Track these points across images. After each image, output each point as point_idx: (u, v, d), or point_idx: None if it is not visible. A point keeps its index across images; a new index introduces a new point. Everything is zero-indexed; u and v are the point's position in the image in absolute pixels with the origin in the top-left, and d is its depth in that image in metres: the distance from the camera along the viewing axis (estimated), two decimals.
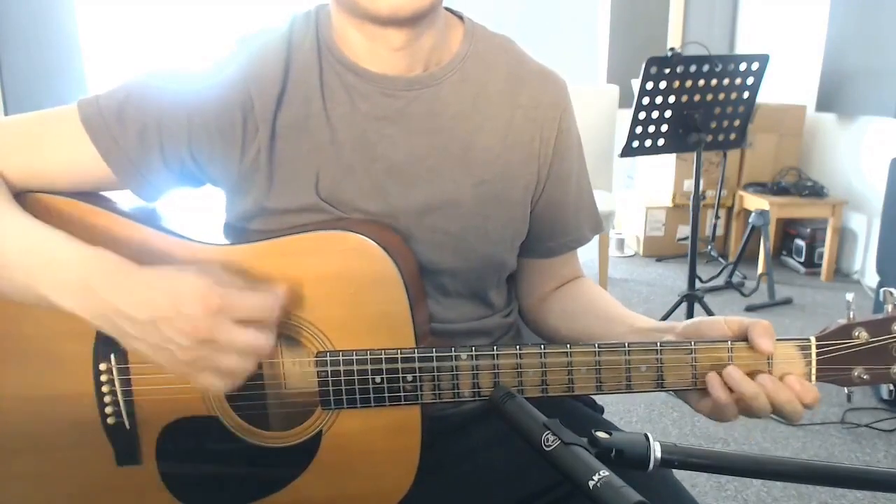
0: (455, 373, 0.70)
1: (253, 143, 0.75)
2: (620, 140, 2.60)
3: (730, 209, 4.19)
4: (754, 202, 3.85)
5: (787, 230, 4.04)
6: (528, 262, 0.90)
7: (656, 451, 0.53)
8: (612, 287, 3.60)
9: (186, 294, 0.63)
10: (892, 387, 0.70)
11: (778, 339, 0.69)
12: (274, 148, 0.75)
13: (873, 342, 0.68)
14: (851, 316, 0.69)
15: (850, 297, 0.69)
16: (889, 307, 0.68)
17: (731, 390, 0.67)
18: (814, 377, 0.69)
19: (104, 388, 0.72)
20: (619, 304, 0.85)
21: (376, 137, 0.77)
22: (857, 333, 0.68)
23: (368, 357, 0.70)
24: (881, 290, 0.69)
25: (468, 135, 0.79)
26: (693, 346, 0.69)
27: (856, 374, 0.69)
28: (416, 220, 0.77)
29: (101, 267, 0.65)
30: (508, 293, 0.91)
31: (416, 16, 0.70)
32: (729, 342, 0.69)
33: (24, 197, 0.72)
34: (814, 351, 0.69)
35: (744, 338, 0.69)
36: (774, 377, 0.67)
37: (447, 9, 0.81)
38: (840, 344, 0.68)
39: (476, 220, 0.79)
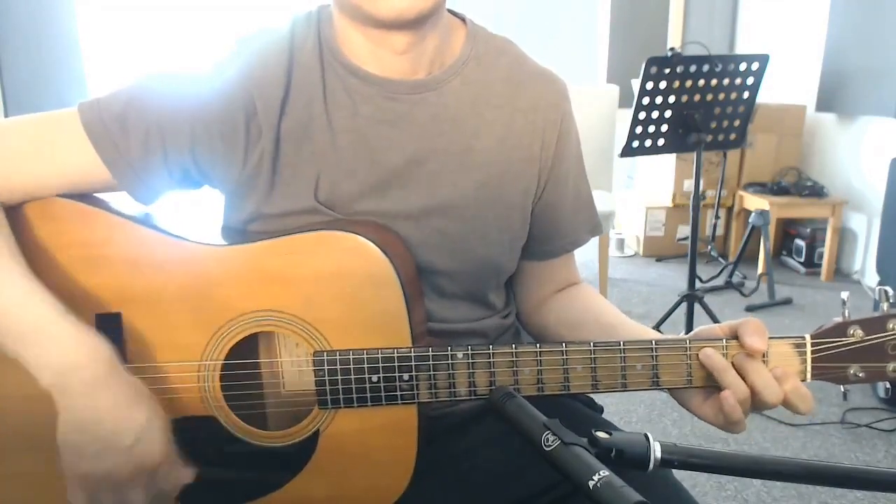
0: (451, 372, 0.70)
1: (256, 148, 0.75)
2: (620, 140, 2.60)
3: (730, 209, 4.19)
4: (754, 202, 3.85)
5: (787, 230, 4.04)
6: (525, 264, 0.90)
7: (656, 451, 0.53)
8: (612, 287, 3.60)
9: (149, 442, 0.66)
10: (888, 385, 0.70)
11: (773, 338, 0.69)
12: (278, 153, 0.75)
13: (868, 340, 0.68)
14: (846, 314, 0.69)
15: (844, 295, 0.69)
16: (885, 305, 0.68)
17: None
18: (809, 375, 0.69)
19: None
20: (622, 315, 0.85)
21: (377, 141, 0.76)
22: (852, 331, 0.68)
23: (365, 356, 0.70)
24: (877, 288, 0.69)
25: (468, 137, 0.79)
26: (688, 345, 0.69)
27: (851, 371, 0.69)
28: (416, 223, 0.77)
29: (87, 358, 0.65)
30: (507, 295, 0.91)
31: (420, 18, 0.70)
32: (723, 340, 0.69)
33: (23, 200, 0.72)
34: (809, 349, 0.69)
35: (736, 337, 0.69)
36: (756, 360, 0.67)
37: (449, 10, 0.81)
38: (835, 342, 0.69)
39: (475, 223, 0.79)
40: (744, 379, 0.67)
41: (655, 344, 0.69)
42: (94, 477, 0.65)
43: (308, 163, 0.76)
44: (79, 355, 0.65)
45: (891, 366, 0.68)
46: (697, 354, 0.69)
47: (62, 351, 0.65)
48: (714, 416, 0.70)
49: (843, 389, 0.69)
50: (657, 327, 2.80)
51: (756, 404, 0.68)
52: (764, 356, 0.68)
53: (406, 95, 0.77)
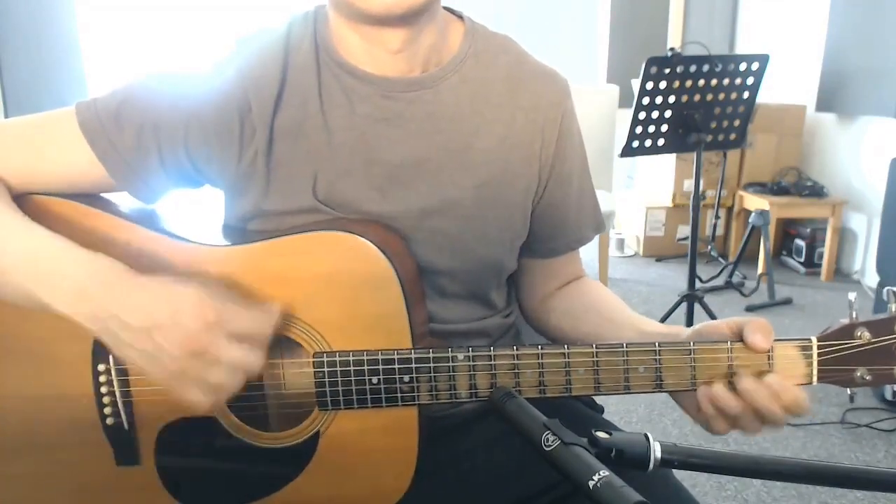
0: (452, 374, 0.70)
1: (250, 146, 0.75)
2: (620, 140, 2.60)
3: (730, 209, 4.19)
4: (754, 202, 3.84)
5: (787, 230, 4.04)
6: (530, 262, 0.90)
7: (656, 451, 0.53)
8: (612, 287, 3.58)
9: (184, 305, 0.63)
10: (895, 387, 0.69)
11: (779, 340, 0.68)
12: (272, 150, 0.75)
13: (876, 342, 0.67)
14: (854, 316, 0.67)
15: (852, 296, 0.68)
16: (892, 307, 0.67)
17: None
18: (815, 378, 0.68)
19: (103, 389, 0.72)
20: (626, 306, 0.85)
21: (374, 139, 0.76)
22: (859, 334, 0.67)
23: (365, 358, 0.70)
24: (884, 289, 0.68)
25: (468, 136, 0.78)
26: (692, 347, 0.68)
27: (858, 374, 0.68)
28: (415, 222, 0.77)
29: (100, 272, 0.65)
30: (508, 294, 0.91)
31: (410, 13, 0.69)
32: (728, 343, 0.68)
33: (22, 199, 0.72)
34: (815, 351, 0.68)
35: (739, 335, 0.68)
36: (756, 379, 0.66)
37: (447, 8, 0.81)
38: (842, 344, 0.67)
39: (475, 222, 0.79)
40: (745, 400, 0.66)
41: (659, 346, 0.69)
42: (167, 360, 0.63)
43: (304, 161, 0.76)
44: (88, 269, 0.65)
45: None
46: (705, 349, 0.68)
47: (71, 271, 0.65)
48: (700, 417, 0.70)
49: (849, 392, 0.69)
50: None
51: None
52: (769, 358, 0.68)
53: (402, 93, 0.76)
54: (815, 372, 0.68)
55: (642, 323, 0.80)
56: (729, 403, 0.66)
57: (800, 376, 0.68)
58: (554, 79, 0.84)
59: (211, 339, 0.63)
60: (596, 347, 0.69)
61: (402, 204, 0.77)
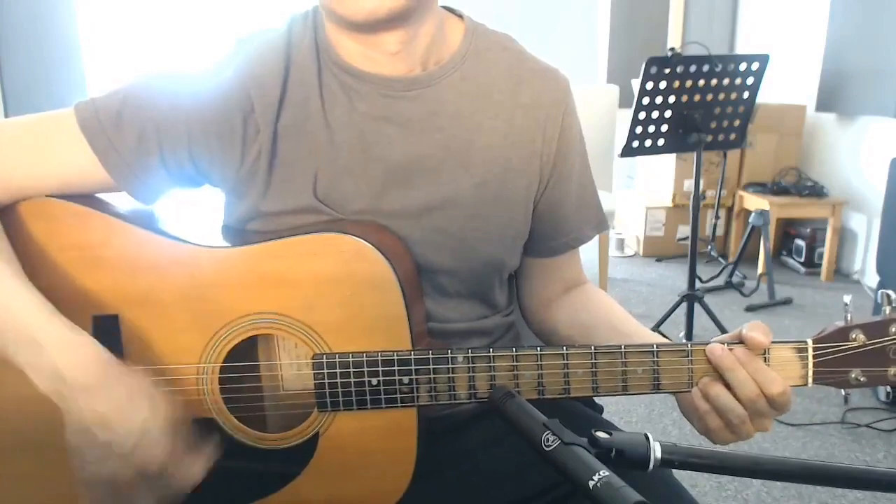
0: (451, 375, 0.70)
1: (253, 146, 0.75)
2: (620, 140, 2.60)
3: (730, 209, 4.19)
4: (754, 202, 3.85)
5: (787, 230, 4.04)
6: (529, 261, 0.90)
7: (656, 451, 0.53)
8: (612, 287, 3.60)
9: (143, 440, 0.64)
10: (889, 388, 0.70)
11: (775, 342, 0.68)
12: (275, 150, 0.75)
13: (871, 344, 0.68)
14: (849, 318, 0.68)
15: (847, 299, 0.69)
16: (887, 309, 0.68)
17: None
18: (810, 380, 0.69)
19: None
20: (634, 319, 0.84)
21: (374, 138, 0.76)
22: (854, 336, 0.68)
23: (365, 359, 0.70)
24: (879, 291, 0.69)
25: (468, 134, 0.78)
26: (689, 349, 0.69)
27: (853, 376, 0.68)
28: (416, 221, 0.77)
29: (76, 360, 0.65)
30: (510, 293, 0.91)
31: (393, 17, 0.69)
32: (725, 343, 0.69)
33: (21, 200, 0.72)
34: (810, 353, 0.68)
35: (739, 340, 0.69)
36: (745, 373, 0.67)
37: (447, 8, 0.81)
38: (837, 346, 0.68)
39: (476, 221, 0.79)
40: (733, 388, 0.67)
41: (657, 348, 0.69)
42: (99, 481, 0.65)
43: (305, 160, 0.75)
44: (70, 360, 0.64)
45: (892, 370, 0.68)
46: (703, 350, 0.69)
47: (53, 356, 0.64)
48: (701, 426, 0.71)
49: (843, 393, 0.69)
50: (657, 327, 2.80)
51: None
52: (765, 357, 0.68)
53: (402, 92, 0.76)
54: (810, 373, 0.69)
55: (653, 338, 0.79)
56: (721, 397, 0.67)
57: (795, 378, 0.69)
58: (555, 77, 0.84)
59: (148, 484, 0.65)
60: (594, 349, 0.69)
61: (403, 202, 0.77)
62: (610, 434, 0.54)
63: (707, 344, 0.69)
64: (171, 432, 0.66)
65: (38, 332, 0.65)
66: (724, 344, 0.68)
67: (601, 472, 0.47)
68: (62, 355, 0.64)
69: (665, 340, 0.77)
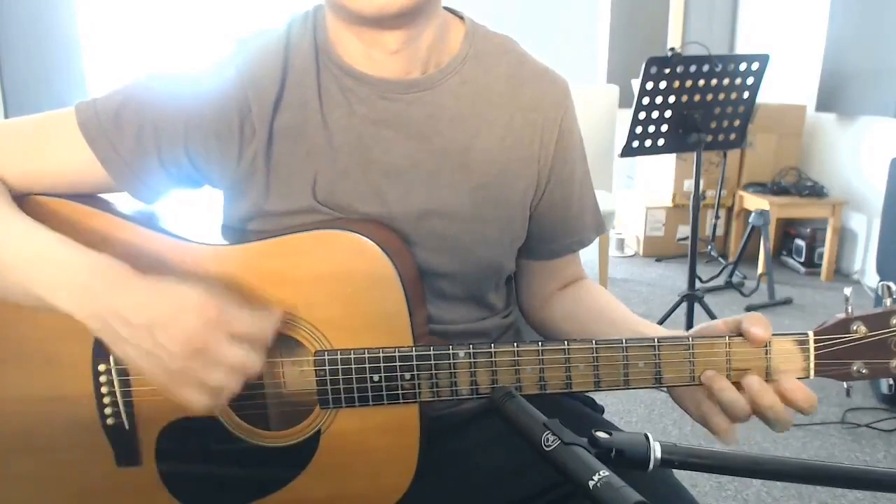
0: (453, 371, 0.70)
1: (250, 146, 0.75)
2: (620, 140, 2.60)
3: (730, 209, 4.19)
4: (754, 202, 3.85)
5: (787, 230, 4.04)
6: (530, 263, 0.90)
7: (656, 451, 0.53)
8: (612, 287, 3.60)
9: (186, 303, 0.63)
10: (891, 381, 0.70)
11: (776, 335, 0.68)
12: (271, 151, 0.75)
13: (872, 336, 0.68)
14: (850, 310, 0.68)
15: (847, 291, 0.69)
16: (888, 301, 0.68)
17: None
18: (812, 372, 0.69)
19: (103, 389, 0.72)
20: (629, 311, 0.85)
21: (373, 141, 0.76)
22: (855, 328, 0.68)
23: (366, 356, 0.70)
24: (879, 284, 0.69)
25: (467, 137, 0.78)
26: (690, 343, 0.69)
27: (855, 368, 0.68)
28: (414, 224, 0.77)
29: (102, 270, 0.65)
30: (507, 295, 0.91)
31: (403, 13, 0.69)
32: (726, 337, 0.69)
33: (23, 199, 0.72)
34: (812, 345, 0.68)
35: (740, 333, 0.69)
36: (761, 380, 0.67)
37: (448, 9, 0.81)
38: (838, 338, 0.68)
39: (474, 224, 0.79)
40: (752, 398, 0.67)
41: (658, 342, 0.69)
42: (167, 358, 0.62)
43: (303, 162, 0.75)
44: (91, 267, 0.65)
45: (894, 362, 0.68)
46: (704, 344, 0.69)
47: (73, 268, 0.65)
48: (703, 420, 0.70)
49: (846, 386, 0.69)
50: None
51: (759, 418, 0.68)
52: (767, 352, 0.68)
53: (401, 95, 0.76)
54: (811, 366, 0.69)
55: (646, 327, 0.80)
56: (726, 392, 0.67)
57: (797, 370, 0.69)
58: (554, 79, 0.84)
59: (212, 337, 0.62)
60: (596, 343, 0.69)
61: (401, 206, 0.77)
62: (610, 434, 0.54)
63: (709, 339, 0.69)
64: (210, 289, 0.64)
65: (56, 254, 0.66)
66: (725, 338, 0.68)
67: (601, 472, 0.47)
68: (81, 266, 0.65)
69: (664, 331, 0.77)
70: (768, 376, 0.68)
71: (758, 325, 0.67)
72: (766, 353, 0.68)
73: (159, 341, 0.62)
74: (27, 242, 0.67)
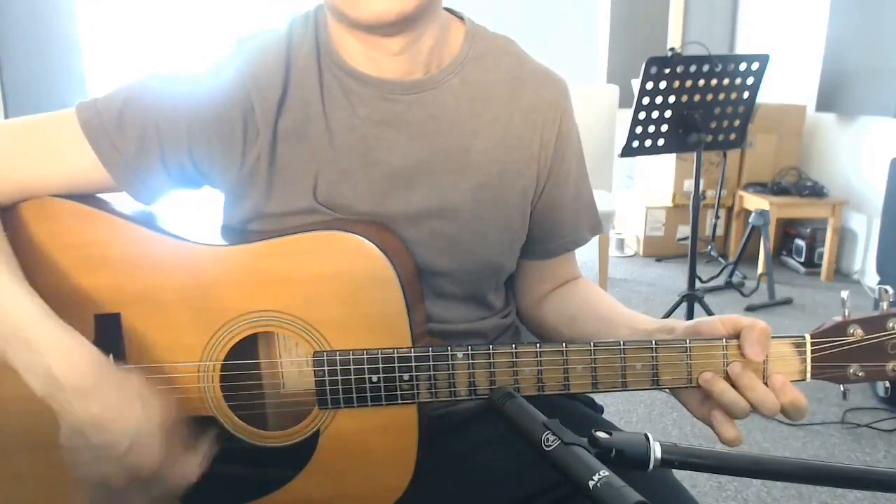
0: (451, 372, 0.70)
1: (253, 148, 0.75)
2: (620, 140, 2.60)
3: (730, 209, 4.19)
4: (754, 202, 3.85)
5: (787, 230, 4.04)
6: (526, 263, 0.90)
7: (656, 451, 0.53)
8: (612, 287, 3.60)
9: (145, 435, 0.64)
10: (888, 384, 0.70)
11: (773, 337, 0.68)
12: (275, 153, 0.75)
13: (868, 339, 0.68)
14: (847, 313, 0.68)
15: (844, 294, 0.69)
16: (884, 304, 0.68)
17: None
18: (809, 374, 0.69)
19: None
20: (620, 305, 0.85)
21: (375, 141, 0.76)
22: (852, 331, 0.68)
23: (365, 356, 0.70)
24: (877, 287, 0.69)
25: (467, 138, 0.78)
26: (688, 345, 0.69)
27: (851, 371, 0.68)
28: (415, 224, 0.77)
29: (69, 361, 0.64)
30: (507, 295, 0.91)
31: (401, 20, 0.69)
32: (724, 340, 0.69)
33: (23, 201, 0.72)
34: (808, 348, 0.69)
35: (738, 336, 0.69)
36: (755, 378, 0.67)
37: (448, 9, 0.81)
38: (835, 341, 0.68)
39: (474, 224, 0.79)
40: (740, 392, 0.67)
41: (656, 344, 0.69)
42: (93, 482, 0.65)
43: (306, 163, 0.75)
44: (63, 361, 0.64)
45: (890, 365, 0.68)
46: (701, 346, 0.69)
47: (46, 357, 0.63)
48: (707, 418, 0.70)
49: (842, 389, 0.69)
50: None
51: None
52: (763, 360, 0.68)
53: (402, 96, 0.76)
54: (808, 368, 0.69)
55: (637, 320, 0.80)
56: (726, 394, 0.67)
57: (794, 373, 0.69)
58: (553, 80, 0.84)
59: (141, 485, 0.65)
60: (593, 345, 0.69)
61: (402, 206, 0.77)
62: (610, 434, 0.54)
63: (706, 341, 0.69)
64: (166, 433, 0.66)
65: (32, 332, 0.64)
66: (722, 341, 0.69)
67: (601, 472, 0.47)
68: (56, 357, 0.64)
69: (655, 322, 0.77)
70: (765, 379, 0.68)
71: (758, 346, 0.67)
72: (764, 360, 0.68)
73: (97, 466, 0.65)
74: (4, 311, 0.65)
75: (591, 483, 0.47)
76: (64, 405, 0.64)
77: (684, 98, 2.47)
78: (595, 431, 0.53)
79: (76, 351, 0.65)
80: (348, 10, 0.68)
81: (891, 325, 0.67)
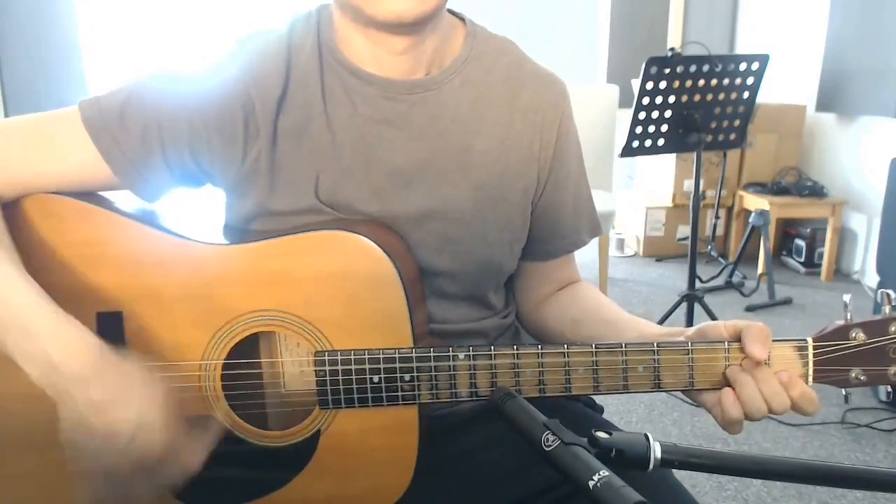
0: (452, 373, 0.70)
1: (254, 146, 0.75)
2: (620, 140, 2.60)
3: (730, 209, 4.19)
4: (754, 202, 3.85)
5: (787, 230, 4.04)
6: (525, 264, 0.90)
7: (656, 451, 0.53)
8: (612, 287, 3.60)
9: (150, 420, 0.64)
10: (889, 388, 0.70)
11: (775, 340, 0.68)
12: (275, 151, 0.75)
13: (871, 343, 0.68)
14: (849, 317, 0.68)
15: (847, 298, 0.69)
16: (887, 308, 0.68)
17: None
18: (811, 378, 0.69)
19: None
20: (624, 311, 0.85)
21: (376, 141, 0.76)
22: (854, 334, 0.68)
23: (366, 357, 0.70)
24: (879, 291, 0.69)
25: (468, 138, 0.79)
26: (690, 348, 0.69)
27: (853, 375, 0.68)
28: (415, 224, 0.77)
29: (69, 348, 0.64)
30: (507, 295, 0.91)
31: (420, 20, 0.70)
32: (726, 343, 0.69)
33: (24, 198, 0.72)
34: (811, 352, 0.69)
35: (739, 339, 0.69)
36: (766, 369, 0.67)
37: (449, 10, 0.81)
38: (837, 345, 0.68)
39: (475, 225, 0.79)
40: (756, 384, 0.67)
41: (657, 346, 0.69)
42: (96, 473, 0.65)
43: (307, 162, 0.76)
44: (62, 349, 0.63)
45: (892, 369, 0.68)
46: (703, 349, 0.69)
47: (45, 345, 0.63)
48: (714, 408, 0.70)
49: (844, 392, 0.69)
50: None
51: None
52: (766, 358, 0.68)
53: (405, 95, 0.77)
54: (810, 372, 0.69)
55: (642, 325, 0.80)
56: (752, 394, 0.67)
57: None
58: (553, 82, 0.84)
59: (143, 476, 0.65)
60: (595, 347, 0.69)
61: (403, 206, 0.77)
62: (610, 434, 0.54)
63: (708, 344, 0.69)
64: (168, 419, 0.65)
65: (30, 320, 0.64)
66: (725, 344, 0.68)
67: (601, 472, 0.47)
68: (54, 344, 0.63)
69: (659, 329, 0.77)
70: None
71: (758, 343, 0.67)
72: (766, 360, 0.68)
73: (99, 457, 0.64)
74: (2, 297, 0.64)
75: (591, 483, 0.47)
76: (64, 393, 0.63)
77: (684, 98, 2.46)
78: (595, 431, 0.53)
79: (75, 338, 0.64)
80: (367, 7, 0.68)
81: (893, 329, 0.67)
